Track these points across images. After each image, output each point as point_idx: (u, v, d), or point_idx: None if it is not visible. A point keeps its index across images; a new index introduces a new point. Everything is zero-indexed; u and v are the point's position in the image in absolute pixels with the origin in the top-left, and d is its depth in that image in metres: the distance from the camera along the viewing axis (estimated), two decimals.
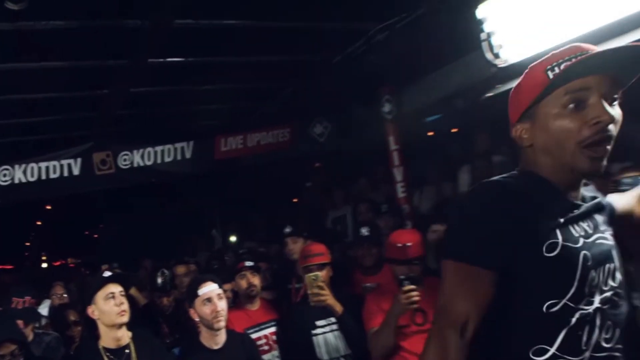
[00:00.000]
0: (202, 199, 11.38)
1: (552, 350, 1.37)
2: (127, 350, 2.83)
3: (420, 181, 6.34)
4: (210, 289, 2.99)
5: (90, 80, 4.26)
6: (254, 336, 3.53)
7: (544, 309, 1.36)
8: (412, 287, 2.84)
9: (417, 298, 2.84)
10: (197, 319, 3.01)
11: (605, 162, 1.37)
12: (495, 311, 1.41)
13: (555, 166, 1.43)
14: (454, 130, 7.16)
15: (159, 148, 5.78)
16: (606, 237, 1.48)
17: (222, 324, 2.97)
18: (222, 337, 3.02)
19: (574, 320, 1.37)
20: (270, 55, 4.36)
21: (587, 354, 1.37)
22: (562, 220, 1.39)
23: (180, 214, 12.92)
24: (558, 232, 1.37)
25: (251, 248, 6.68)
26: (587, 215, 1.47)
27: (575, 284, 1.36)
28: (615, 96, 1.36)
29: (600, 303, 1.40)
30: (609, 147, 1.35)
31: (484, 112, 5.77)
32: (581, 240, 1.40)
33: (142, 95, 4.68)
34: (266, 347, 3.58)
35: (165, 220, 13.16)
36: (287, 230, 4.65)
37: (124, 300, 2.84)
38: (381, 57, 4.22)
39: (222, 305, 2.98)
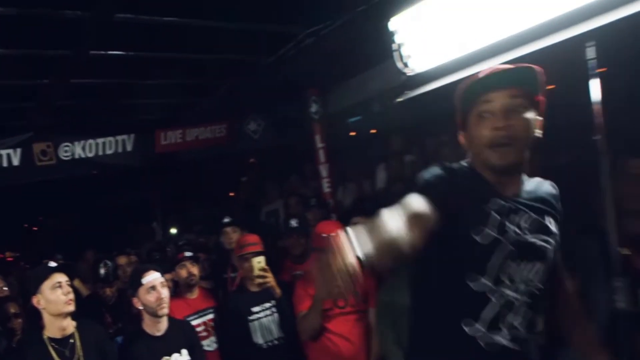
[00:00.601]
0: (142, 191, 11.05)
1: (477, 323, 1.53)
2: (71, 340, 2.74)
3: (344, 178, 6.40)
4: (153, 277, 2.94)
5: (30, 69, 4.07)
6: (193, 323, 3.52)
7: (468, 283, 1.53)
8: None
9: None
10: (140, 307, 2.95)
11: (513, 159, 1.56)
12: (432, 283, 1.61)
13: (480, 164, 1.62)
14: (372, 131, 7.32)
15: (100, 140, 5.56)
16: (545, 240, 1.62)
17: (166, 310, 2.95)
18: (164, 324, 2.99)
19: (493, 299, 1.53)
20: (208, 53, 4.33)
21: (505, 332, 1.53)
22: (491, 210, 1.56)
23: (122, 207, 12.48)
24: (487, 219, 1.54)
25: (190, 239, 6.63)
26: (522, 210, 1.61)
27: (491, 269, 1.54)
28: (520, 105, 1.54)
29: (519, 293, 1.55)
30: (510, 148, 1.54)
31: (398, 116, 6.03)
32: (508, 232, 1.56)
33: (83, 87, 4.52)
34: (205, 334, 3.59)
35: (107, 213, 12.69)
36: (226, 220, 4.65)
37: (70, 289, 2.75)
38: (309, 60, 4.30)
39: (165, 292, 2.95)
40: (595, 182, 2.40)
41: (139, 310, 2.98)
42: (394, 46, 2.92)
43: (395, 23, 2.88)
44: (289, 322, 3.34)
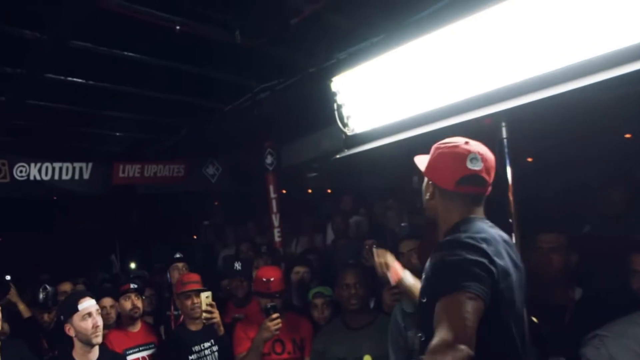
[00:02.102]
0: (103, 222, 10.66)
1: None
2: None
3: (299, 231, 6.44)
4: (90, 303, 2.77)
5: None
6: (132, 357, 3.39)
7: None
8: (277, 314, 2.90)
9: (279, 326, 2.90)
10: (72, 335, 2.74)
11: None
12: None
13: None
14: (328, 191, 7.35)
15: (57, 165, 5.37)
16: None
17: (100, 339, 2.77)
18: (95, 354, 2.79)
19: None
20: (168, 93, 4.26)
21: None
22: None
23: (82, 236, 11.98)
24: None
25: (142, 274, 6.37)
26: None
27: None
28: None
29: None
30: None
31: (349, 177, 6.09)
32: None
33: (40, 109, 4.34)
34: None
35: (67, 240, 12.14)
36: (178, 255, 4.56)
37: None
38: (263, 113, 4.28)
39: (101, 320, 2.79)
40: None
41: (72, 338, 2.76)
42: (335, 106, 2.89)
43: (336, 84, 2.88)
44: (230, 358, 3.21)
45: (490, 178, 1.73)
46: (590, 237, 3.25)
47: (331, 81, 2.84)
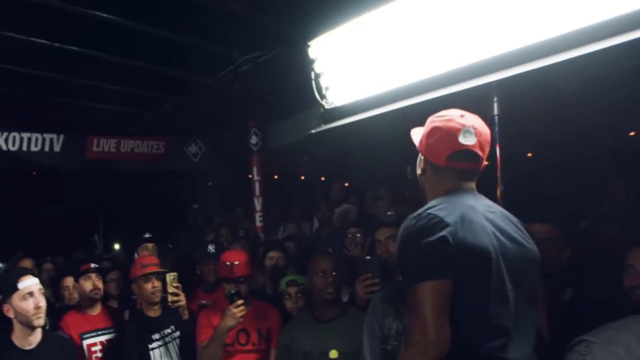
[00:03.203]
0: (87, 202, 10.49)
1: None
2: None
3: (286, 218, 6.33)
4: (31, 282, 2.54)
5: None
6: (89, 341, 3.24)
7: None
8: (242, 301, 2.78)
9: (243, 312, 2.78)
10: (11, 316, 2.52)
11: None
12: None
13: None
14: (322, 178, 7.19)
15: (25, 135, 5.15)
16: None
17: (42, 321, 2.55)
18: (36, 337, 2.57)
19: None
20: (146, 62, 4.03)
21: None
22: None
23: (64, 215, 11.81)
24: None
25: (117, 255, 6.25)
26: None
27: None
28: None
29: None
30: None
31: (342, 164, 5.93)
32: None
33: (3, 73, 4.11)
34: (100, 354, 3.27)
35: (49, 220, 11.97)
36: (147, 235, 4.42)
37: None
38: (246, 87, 4.07)
39: (43, 301, 2.56)
40: None
41: (9, 320, 2.54)
42: (312, 75, 2.67)
43: (314, 49, 2.65)
44: (192, 350, 3.05)
45: (485, 153, 1.68)
46: (587, 233, 3.09)
47: (308, 46, 2.62)
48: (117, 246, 9.69)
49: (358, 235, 4.04)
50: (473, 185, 1.71)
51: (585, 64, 1.78)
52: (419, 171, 1.78)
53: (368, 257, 2.70)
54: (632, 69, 2.11)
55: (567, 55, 1.79)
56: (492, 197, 2.16)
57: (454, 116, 1.67)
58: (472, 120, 1.66)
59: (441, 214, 1.52)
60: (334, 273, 2.75)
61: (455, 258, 1.47)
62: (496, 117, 2.09)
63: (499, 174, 2.08)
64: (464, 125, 1.63)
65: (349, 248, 3.95)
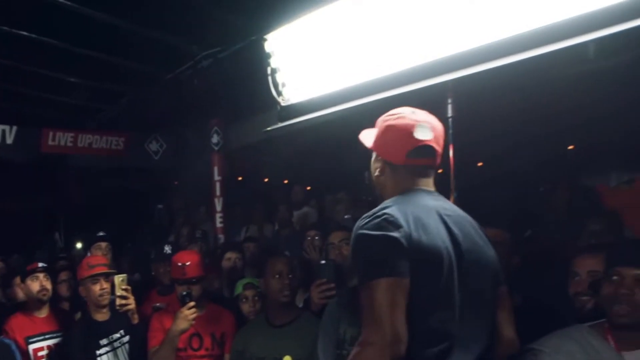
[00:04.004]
0: (47, 198, 10.00)
1: None
2: None
3: (249, 220, 6.13)
4: None
5: None
6: (35, 346, 3.07)
7: None
8: (193, 303, 2.66)
9: (195, 315, 2.65)
10: None
11: None
12: None
13: None
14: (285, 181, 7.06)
15: None
16: None
17: None
18: None
19: None
20: (103, 52, 3.79)
21: None
22: None
23: (23, 212, 11.24)
24: None
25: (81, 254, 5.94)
26: None
27: None
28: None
29: None
30: None
31: (304, 166, 5.82)
32: None
33: None
34: None
35: (10, 217, 11.38)
36: (101, 234, 4.17)
37: None
38: (207, 84, 3.88)
39: None
40: None
41: None
42: (268, 70, 2.53)
43: (271, 43, 2.51)
44: (142, 356, 2.89)
45: (440, 148, 1.64)
46: (533, 240, 3.06)
47: (264, 39, 2.48)
48: (79, 245, 9.29)
49: (316, 238, 3.93)
50: (431, 183, 1.67)
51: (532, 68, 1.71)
52: (376, 173, 1.70)
53: (323, 262, 2.60)
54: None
55: (520, 56, 1.72)
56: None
57: (406, 113, 1.63)
58: (424, 116, 1.63)
59: (395, 213, 1.46)
60: (290, 275, 2.65)
61: (407, 255, 1.41)
62: (450, 120, 2.00)
63: (452, 178, 1.99)
64: (417, 121, 1.59)
65: (307, 251, 3.85)
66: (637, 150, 4.14)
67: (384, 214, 1.46)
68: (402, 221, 1.44)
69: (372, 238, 1.42)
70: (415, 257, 1.41)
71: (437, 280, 1.45)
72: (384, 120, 1.67)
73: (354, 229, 1.52)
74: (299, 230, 5.14)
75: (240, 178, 7.39)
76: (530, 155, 4.22)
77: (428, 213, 1.52)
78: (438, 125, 1.65)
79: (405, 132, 1.58)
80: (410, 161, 1.60)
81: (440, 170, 1.72)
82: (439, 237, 1.48)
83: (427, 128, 1.59)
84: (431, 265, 1.44)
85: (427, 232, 1.46)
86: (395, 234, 1.41)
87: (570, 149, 4.57)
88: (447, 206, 1.63)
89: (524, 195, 3.95)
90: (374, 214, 1.49)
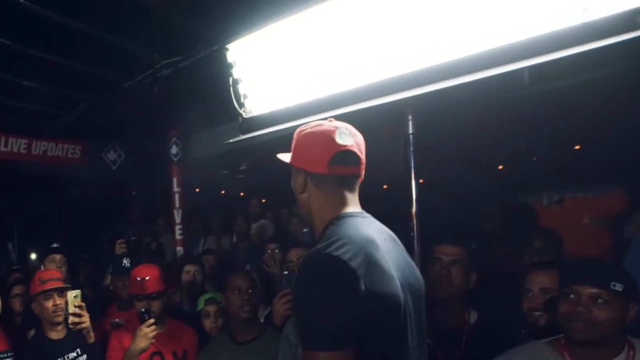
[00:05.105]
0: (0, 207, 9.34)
1: None
2: None
3: (208, 232, 6.02)
4: None
5: None
6: None
7: None
8: (152, 320, 2.48)
9: (155, 333, 2.47)
10: None
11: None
12: None
13: None
14: (241, 194, 6.92)
15: None
16: None
17: None
18: None
19: None
20: (58, 55, 3.50)
21: None
22: None
23: None
24: None
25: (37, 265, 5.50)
26: None
27: None
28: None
29: None
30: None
31: (260, 179, 5.68)
32: None
33: None
34: None
35: None
36: (55, 245, 3.86)
37: None
38: (167, 93, 3.68)
39: None
40: None
41: None
42: (230, 80, 2.39)
43: (233, 52, 2.37)
44: None
45: (363, 155, 1.47)
46: (485, 255, 3.03)
47: (226, 49, 2.33)
48: (33, 256, 8.71)
49: (277, 251, 3.82)
50: (356, 197, 1.48)
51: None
52: (299, 189, 1.49)
53: (286, 272, 2.48)
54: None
55: (478, 75, 1.66)
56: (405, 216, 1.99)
57: (323, 122, 1.49)
58: (343, 123, 1.48)
59: (345, 256, 1.21)
60: (250, 291, 2.50)
61: (363, 312, 1.18)
62: (411, 136, 1.92)
63: (413, 194, 1.89)
64: (336, 127, 1.44)
65: (267, 264, 3.72)
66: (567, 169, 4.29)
67: (335, 258, 1.20)
68: (353, 264, 1.20)
69: (320, 297, 1.18)
70: (371, 308, 1.19)
71: (394, 328, 1.26)
72: (301, 130, 1.50)
73: (301, 270, 1.26)
74: (257, 243, 4.99)
75: (197, 190, 7.17)
76: (469, 172, 4.25)
77: (375, 248, 1.30)
78: (357, 133, 1.49)
79: (325, 137, 1.41)
80: (334, 169, 1.41)
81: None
82: (392, 279, 1.27)
83: (347, 133, 1.43)
84: (388, 313, 1.24)
85: (381, 276, 1.24)
86: (349, 288, 1.17)
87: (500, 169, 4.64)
88: (380, 229, 1.45)
89: (463, 209, 3.94)
90: (324, 257, 1.22)
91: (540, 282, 2.05)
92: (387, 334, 1.23)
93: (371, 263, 1.23)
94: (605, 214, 3.68)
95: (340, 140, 1.40)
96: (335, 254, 1.21)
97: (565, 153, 3.74)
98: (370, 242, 1.30)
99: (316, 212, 1.46)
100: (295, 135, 1.52)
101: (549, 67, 1.64)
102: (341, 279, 1.18)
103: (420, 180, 2.00)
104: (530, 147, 3.70)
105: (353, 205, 1.45)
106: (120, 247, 3.74)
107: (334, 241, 1.26)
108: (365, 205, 1.51)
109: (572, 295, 1.66)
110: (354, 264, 1.20)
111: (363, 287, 1.18)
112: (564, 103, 2.72)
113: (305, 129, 1.49)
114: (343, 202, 1.43)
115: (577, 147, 3.82)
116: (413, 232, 1.93)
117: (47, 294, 2.71)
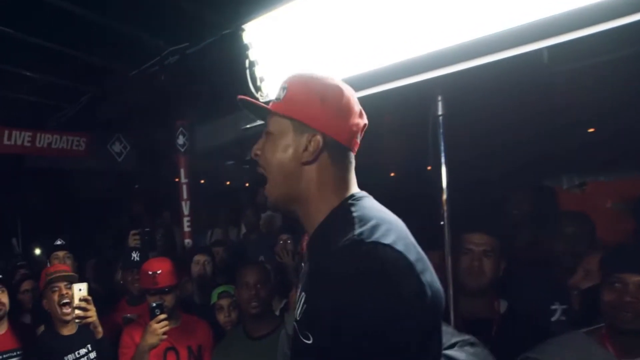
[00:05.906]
0: (4, 202, 9.23)
1: None
2: None
3: (214, 223, 5.87)
4: None
5: None
6: None
7: None
8: (164, 316, 2.37)
9: (166, 328, 2.36)
10: None
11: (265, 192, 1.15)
12: None
13: None
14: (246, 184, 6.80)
15: None
16: None
17: None
18: None
19: None
20: (64, 46, 3.36)
21: None
22: None
23: None
24: None
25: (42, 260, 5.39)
26: None
27: None
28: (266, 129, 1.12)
29: None
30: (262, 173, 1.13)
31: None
32: None
33: None
34: None
35: None
36: (58, 242, 3.70)
37: None
38: (173, 81, 3.54)
39: None
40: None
41: None
42: (247, 63, 2.24)
43: (249, 33, 2.22)
44: None
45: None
46: (512, 242, 2.91)
47: (242, 29, 2.19)
48: (37, 251, 8.62)
49: (289, 242, 3.72)
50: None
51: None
52: (305, 158, 1.06)
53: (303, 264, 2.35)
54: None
55: (508, 53, 1.53)
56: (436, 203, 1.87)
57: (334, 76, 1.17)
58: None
59: (398, 246, 0.88)
60: (258, 285, 2.40)
61: (428, 323, 0.90)
62: (440, 117, 1.79)
63: (443, 179, 1.77)
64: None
65: (280, 255, 3.62)
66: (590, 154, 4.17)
67: (392, 250, 0.86)
68: (414, 260, 0.88)
69: (380, 310, 0.81)
70: (432, 310, 0.90)
71: (438, 337, 0.96)
72: (314, 77, 1.10)
73: (323, 270, 0.92)
74: (266, 234, 4.88)
75: (202, 181, 7.05)
76: (495, 159, 4.13)
77: (406, 232, 1.00)
78: None
79: (356, 102, 1.09)
80: (356, 144, 1.10)
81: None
82: (433, 270, 0.97)
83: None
84: (439, 314, 0.95)
85: (429, 266, 0.95)
86: (416, 287, 0.85)
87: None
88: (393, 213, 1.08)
89: (489, 197, 3.81)
90: (368, 245, 0.87)
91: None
92: (438, 342, 0.96)
93: (417, 250, 0.94)
94: (627, 198, 3.57)
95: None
96: (386, 241, 0.86)
97: (585, 136, 3.63)
98: (399, 225, 1.00)
99: (321, 191, 1.06)
100: (305, 79, 1.11)
101: (570, 46, 1.53)
102: (403, 273, 0.85)
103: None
104: (548, 130, 3.58)
105: (354, 184, 1.11)
106: (133, 239, 3.61)
107: (375, 225, 0.91)
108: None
109: (617, 284, 1.56)
110: (412, 257, 0.88)
111: (424, 280, 0.87)
112: (586, 84, 2.59)
113: (327, 79, 1.10)
114: (353, 182, 1.10)
115: (591, 130, 3.71)
116: (443, 219, 1.80)
117: (54, 286, 2.64)
